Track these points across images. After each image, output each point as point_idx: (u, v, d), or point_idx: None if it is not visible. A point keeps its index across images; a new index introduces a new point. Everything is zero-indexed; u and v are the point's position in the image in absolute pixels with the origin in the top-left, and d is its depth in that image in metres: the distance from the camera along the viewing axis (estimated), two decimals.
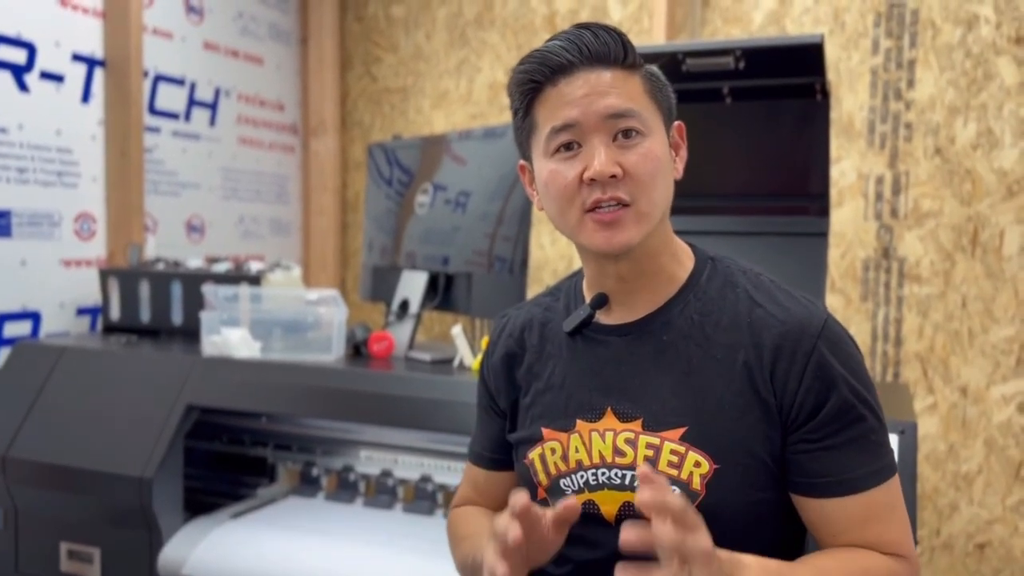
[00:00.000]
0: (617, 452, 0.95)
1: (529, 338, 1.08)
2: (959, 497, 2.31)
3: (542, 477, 1.01)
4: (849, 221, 2.42)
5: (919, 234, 2.34)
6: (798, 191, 1.69)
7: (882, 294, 2.39)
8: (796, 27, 2.47)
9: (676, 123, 1.01)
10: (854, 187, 2.41)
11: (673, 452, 0.92)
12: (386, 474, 1.82)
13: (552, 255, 2.81)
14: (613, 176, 0.91)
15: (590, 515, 0.96)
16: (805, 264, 1.66)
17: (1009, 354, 2.25)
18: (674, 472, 0.91)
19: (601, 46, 0.93)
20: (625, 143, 0.92)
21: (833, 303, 2.44)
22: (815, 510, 0.91)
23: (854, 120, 2.41)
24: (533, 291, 2.83)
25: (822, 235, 1.67)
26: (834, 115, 2.42)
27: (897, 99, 2.36)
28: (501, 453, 1.11)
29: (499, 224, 1.82)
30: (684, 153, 1.01)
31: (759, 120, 1.67)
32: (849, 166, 2.41)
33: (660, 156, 0.94)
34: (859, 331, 2.41)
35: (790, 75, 1.54)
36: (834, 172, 2.42)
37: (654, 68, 0.99)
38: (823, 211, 1.68)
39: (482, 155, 1.94)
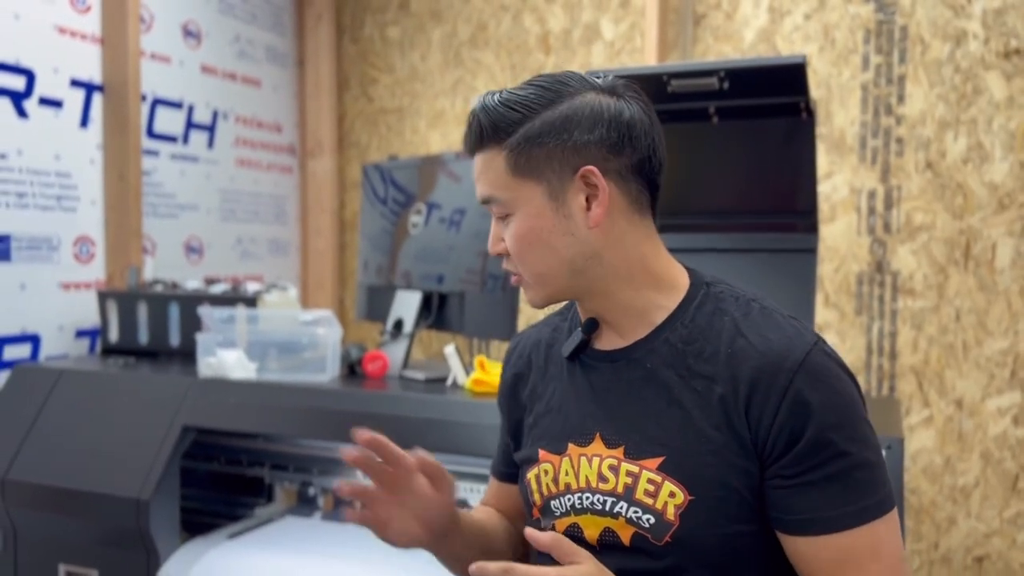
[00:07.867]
0: (601, 478, 0.96)
1: (536, 359, 1.10)
2: (956, 510, 2.31)
3: (536, 497, 1.04)
4: (842, 236, 2.43)
5: (912, 248, 2.36)
6: (786, 208, 1.71)
7: (876, 308, 2.40)
8: (787, 44, 2.50)
9: (583, 169, 0.92)
10: (847, 202, 2.43)
11: (650, 481, 0.92)
12: None
13: None
14: (500, 254, 0.99)
15: (575, 537, 0.97)
16: (794, 281, 1.67)
17: (1003, 366, 2.25)
18: (650, 501, 0.92)
19: (472, 133, 0.97)
20: (504, 221, 0.98)
21: (828, 318, 2.45)
22: (790, 548, 0.90)
23: (845, 135, 2.43)
24: (526, 309, 2.84)
25: (811, 251, 1.69)
26: (825, 130, 2.44)
27: (888, 114, 2.38)
28: (511, 467, 1.14)
29: None
30: (604, 196, 0.92)
31: (746, 139, 1.69)
32: (841, 181, 2.43)
33: (528, 231, 0.95)
34: (854, 345, 2.41)
35: (774, 95, 1.56)
36: (826, 187, 2.44)
37: (528, 129, 0.92)
38: (811, 228, 1.69)
39: None
